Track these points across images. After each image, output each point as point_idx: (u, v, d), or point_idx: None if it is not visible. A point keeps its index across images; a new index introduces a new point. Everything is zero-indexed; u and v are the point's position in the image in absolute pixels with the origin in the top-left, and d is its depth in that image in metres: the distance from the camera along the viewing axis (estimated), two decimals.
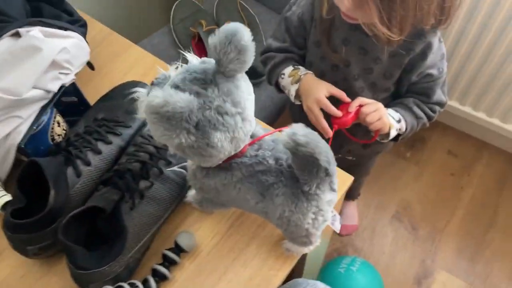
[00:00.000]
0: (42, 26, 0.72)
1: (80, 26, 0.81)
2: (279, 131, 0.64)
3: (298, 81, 0.87)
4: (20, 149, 0.67)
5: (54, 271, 0.67)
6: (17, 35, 0.69)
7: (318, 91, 0.83)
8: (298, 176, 0.57)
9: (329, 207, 0.60)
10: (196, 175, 0.62)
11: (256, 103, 0.58)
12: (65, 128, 0.76)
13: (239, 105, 0.53)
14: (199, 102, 0.50)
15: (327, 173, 0.55)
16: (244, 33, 0.51)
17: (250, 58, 0.52)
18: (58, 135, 0.74)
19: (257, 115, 0.60)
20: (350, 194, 1.50)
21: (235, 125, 0.53)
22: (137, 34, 1.30)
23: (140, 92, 0.53)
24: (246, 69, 0.53)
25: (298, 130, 0.52)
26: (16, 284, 0.67)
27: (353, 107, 0.82)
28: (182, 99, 0.49)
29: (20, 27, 0.70)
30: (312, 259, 0.90)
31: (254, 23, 1.31)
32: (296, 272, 0.75)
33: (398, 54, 0.82)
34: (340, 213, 1.47)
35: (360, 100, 0.83)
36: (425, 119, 0.91)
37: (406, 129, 0.89)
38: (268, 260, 0.68)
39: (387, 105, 0.90)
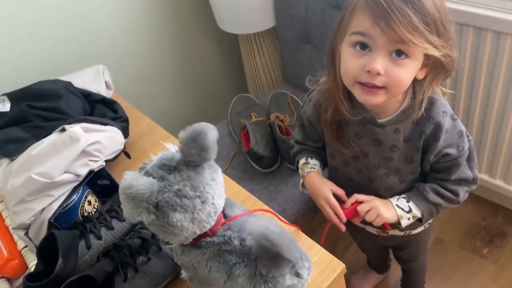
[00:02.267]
0: (86, 122, 0.89)
1: (121, 121, 0.97)
2: (253, 211, 0.68)
3: (303, 176, 0.94)
4: (51, 223, 0.80)
5: None
6: (64, 130, 0.86)
7: (325, 191, 0.89)
8: (258, 260, 0.59)
9: None
10: (176, 252, 0.68)
11: None
12: (96, 207, 0.88)
13: (198, 189, 0.59)
14: (160, 186, 0.58)
15: (288, 262, 0.57)
16: (209, 134, 0.58)
17: (211, 155, 0.59)
18: (88, 212, 0.86)
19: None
20: (412, 286, 1.38)
21: (194, 207, 0.59)
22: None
23: (127, 174, 0.63)
24: (207, 162, 0.60)
25: (271, 227, 0.56)
26: None
27: (348, 204, 0.87)
28: (144, 182, 0.57)
29: (68, 124, 0.88)
30: None
31: None
32: None
33: (412, 138, 0.82)
34: None
35: (355, 197, 0.87)
36: (446, 203, 0.87)
37: (423, 215, 0.88)
38: None
39: (401, 193, 0.89)
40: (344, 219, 0.86)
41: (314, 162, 0.97)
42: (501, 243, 1.53)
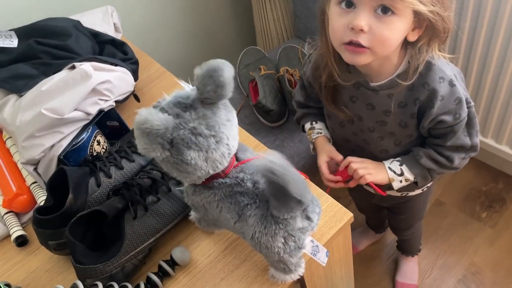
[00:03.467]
0: (96, 61, 0.87)
1: (131, 63, 0.95)
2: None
3: (312, 142, 0.98)
4: (60, 160, 0.80)
5: (72, 268, 0.77)
6: (73, 67, 0.84)
7: (320, 159, 0.94)
8: (269, 200, 0.59)
9: (303, 235, 0.61)
10: (187, 192, 0.68)
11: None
12: (105, 147, 0.88)
13: (213, 128, 0.58)
14: (175, 123, 0.57)
15: (298, 202, 0.57)
16: (225, 70, 0.57)
17: (227, 93, 0.58)
18: (97, 152, 0.86)
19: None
20: (407, 248, 1.42)
21: (208, 146, 0.58)
22: None
23: (142, 110, 0.62)
24: (223, 100, 0.59)
25: (274, 158, 0.56)
26: (42, 275, 0.78)
27: (342, 167, 0.90)
28: (160, 118, 0.56)
29: (78, 62, 0.86)
30: None
31: None
32: None
33: (407, 104, 0.81)
34: (398, 266, 1.41)
35: (348, 160, 0.89)
36: (440, 169, 0.87)
37: (416, 179, 0.88)
38: (253, 285, 0.70)
39: (397, 155, 0.89)
40: (334, 185, 0.91)
41: (319, 126, 0.98)
42: (500, 209, 1.55)
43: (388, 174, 0.87)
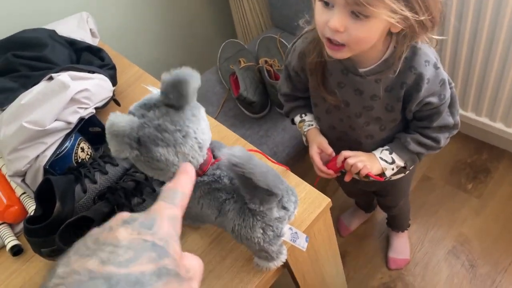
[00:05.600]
0: (73, 70, 0.89)
1: (108, 69, 0.97)
2: None
3: (304, 134, 1.01)
4: (46, 170, 0.83)
5: None
6: (51, 78, 0.86)
7: (311, 149, 0.97)
8: (243, 194, 0.62)
9: (280, 224, 0.65)
10: None
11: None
12: (89, 153, 0.91)
13: (178, 123, 0.60)
14: (140, 122, 0.60)
15: (270, 193, 0.60)
16: (190, 83, 0.58)
17: (189, 102, 0.60)
18: (82, 158, 0.89)
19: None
20: (397, 224, 1.46)
21: (175, 140, 0.60)
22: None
23: (110, 115, 0.65)
24: (185, 106, 0.62)
25: (236, 151, 0.59)
26: (39, 281, 0.81)
27: (339, 162, 0.91)
28: (124, 120, 0.58)
29: (56, 72, 0.88)
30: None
31: None
32: None
33: (394, 88, 0.83)
34: (390, 242, 1.45)
35: (344, 154, 0.91)
36: (428, 151, 0.90)
37: (406, 164, 0.91)
38: (240, 274, 0.73)
39: (382, 140, 0.92)
40: (328, 176, 0.94)
41: (309, 118, 1.00)
42: (485, 179, 1.59)
43: (381, 164, 0.91)
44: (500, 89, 1.33)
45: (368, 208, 1.55)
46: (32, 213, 0.84)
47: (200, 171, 0.66)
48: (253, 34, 1.71)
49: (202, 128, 0.64)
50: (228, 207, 0.65)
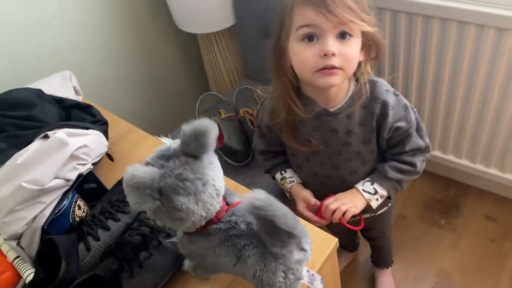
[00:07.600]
0: (67, 127, 0.89)
1: (101, 124, 0.97)
2: None
3: (287, 191, 1.05)
4: (44, 230, 0.80)
5: None
6: (47, 137, 0.85)
7: (298, 205, 1.01)
8: (263, 238, 0.63)
9: (300, 266, 0.65)
10: (183, 243, 0.70)
11: None
12: (85, 211, 0.88)
13: (198, 171, 0.62)
14: (161, 173, 0.60)
15: (290, 235, 0.61)
16: (211, 133, 0.61)
17: (208, 151, 0.63)
18: (79, 217, 0.86)
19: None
20: (381, 260, 1.48)
21: (196, 188, 0.61)
22: (173, 125, 1.47)
23: (128, 168, 0.65)
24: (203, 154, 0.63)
25: (258, 195, 0.60)
26: None
27: (323, 212, 0.96)
28: (145, 171, 0.59)
29: (50, 130, 0.87)
30: None
31: None
32: None
33: (365, 121, 0.90)
34: (376, 282, 1.46)
35: (324, 204, 0.96)
36: (406, 177, 0.95)
37: (389, 193, 0.96)
38: None
39: (365, 175, 0.97)
40: (323, 224, 0.98)
41: (290, 174, 1.04)
42: (457, 213, 1.67)
43: (365, 196, 0.94)
44: (463, 127, 1.44)
45: (351, 247, 1.57)
46: (27, 279, 0.79)
47: (216, 219, 0.67)
48: (227, 86, 1.76)
49: (219, 175, 0.65)
50: (248, 252, 0.65)
